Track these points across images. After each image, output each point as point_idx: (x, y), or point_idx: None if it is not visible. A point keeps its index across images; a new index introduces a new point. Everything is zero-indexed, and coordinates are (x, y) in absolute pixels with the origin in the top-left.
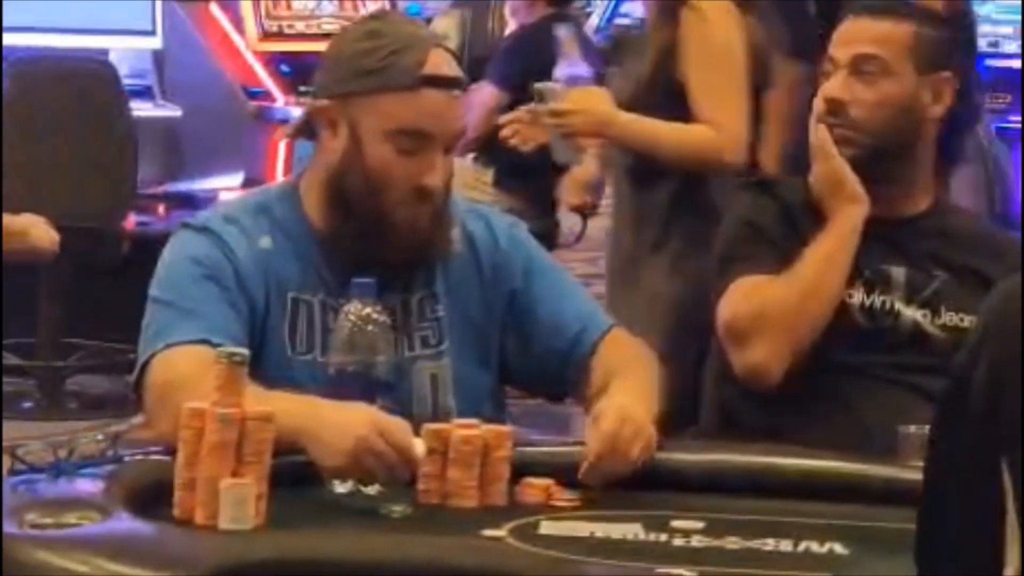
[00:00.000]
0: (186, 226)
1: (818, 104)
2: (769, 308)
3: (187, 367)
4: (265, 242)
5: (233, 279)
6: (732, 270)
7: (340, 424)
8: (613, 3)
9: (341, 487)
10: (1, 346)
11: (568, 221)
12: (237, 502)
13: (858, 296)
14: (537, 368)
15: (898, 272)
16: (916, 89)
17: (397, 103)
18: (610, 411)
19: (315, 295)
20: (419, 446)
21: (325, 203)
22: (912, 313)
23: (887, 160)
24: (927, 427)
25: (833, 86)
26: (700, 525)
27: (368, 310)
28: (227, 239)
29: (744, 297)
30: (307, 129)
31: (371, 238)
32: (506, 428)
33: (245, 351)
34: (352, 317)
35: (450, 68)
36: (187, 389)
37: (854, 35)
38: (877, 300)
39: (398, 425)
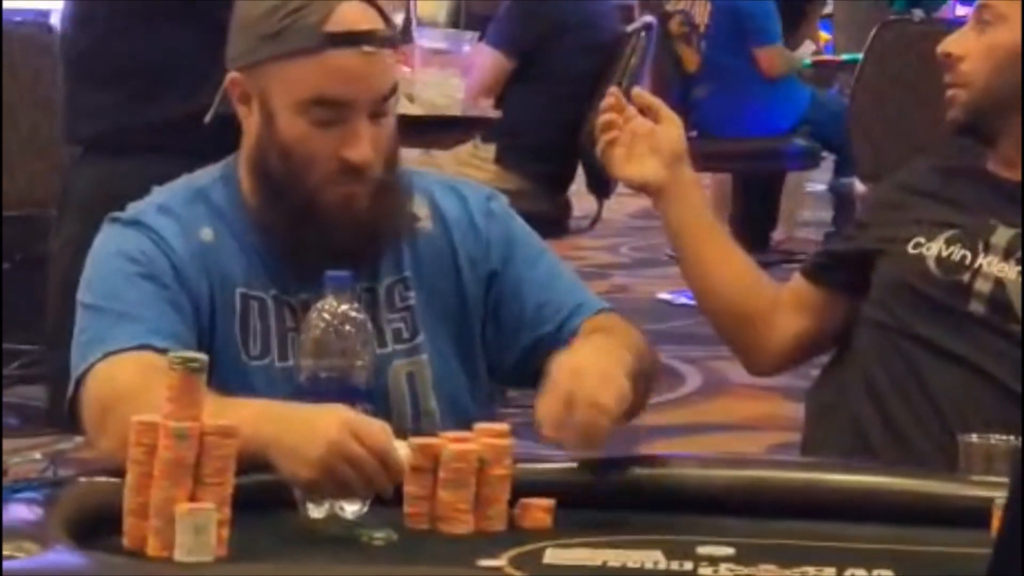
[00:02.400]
0: (115, 220)
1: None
2: None
3: (130, 376)
4: (206, 234)
5: (172, 276)
6: None
7: (309, 429)
8: None
9: (316, 511)
10: None
11: (581, 203)
12: (196, 530)
13: (936, 247)
14: (522, 360)
15: (1004, 232)
16: None
17: (302, 69)
18: (565, 360)
19: (266, 290)
20: (402, 450)
21: (253, 185)
22: (999, 269)
23: (998, 116)
24: (992, 438)
25: (946, 40)
26: (730, 552)
27: (344, 307)
28: (162, 232)
29: None
30: (227, 106)
31: (304, 224)
32: (505, 442)
33: (202, 356)
34: (326, 316)
35: (365, 20)
36: (132, 401)
37: None
38: (957, 252)
39: (376, 426)
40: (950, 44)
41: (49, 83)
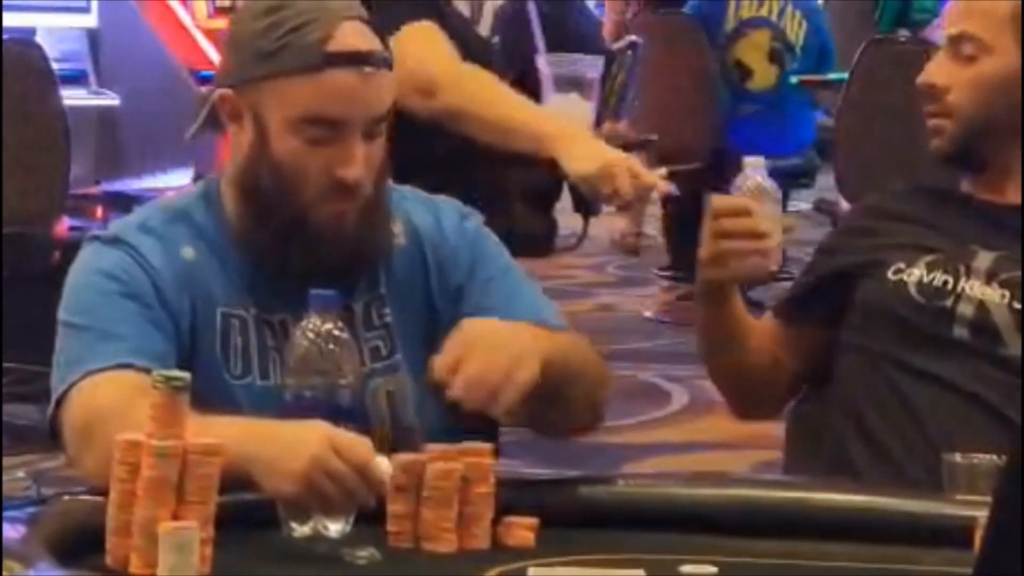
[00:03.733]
0: (95, 239)
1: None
2: None
3: (112, 396)
4: (187, 252)
5: (153, 295)
6: None
7: (291, 444)
8: None
9: (299, 529)
10: None
11: (567, 221)
12: (179, 548)
13: (917, 274)
14: None
15: (985, 256)
16: (1018, 66)
17: (299, 87)
18: (461, 329)
19: (247, 309)
20: (383, 465)
21: (241, 205)
22: (981, 293)
23: (987, 144)
24: (975, 457)
25: (927, 70)
26: (713, 570)
27: (329, 326)
28: (143, 250)
29: None
30: (214, 123)
31: (291, 242)
32: (488, 460)
33: (185, 374)
34: (310, 334)
35: (364, 41)
36: (113, 421)
37: (952, 15)
38: (939, 278)
39: (356, 441)
40: (933, 75)
41: (34, 102)
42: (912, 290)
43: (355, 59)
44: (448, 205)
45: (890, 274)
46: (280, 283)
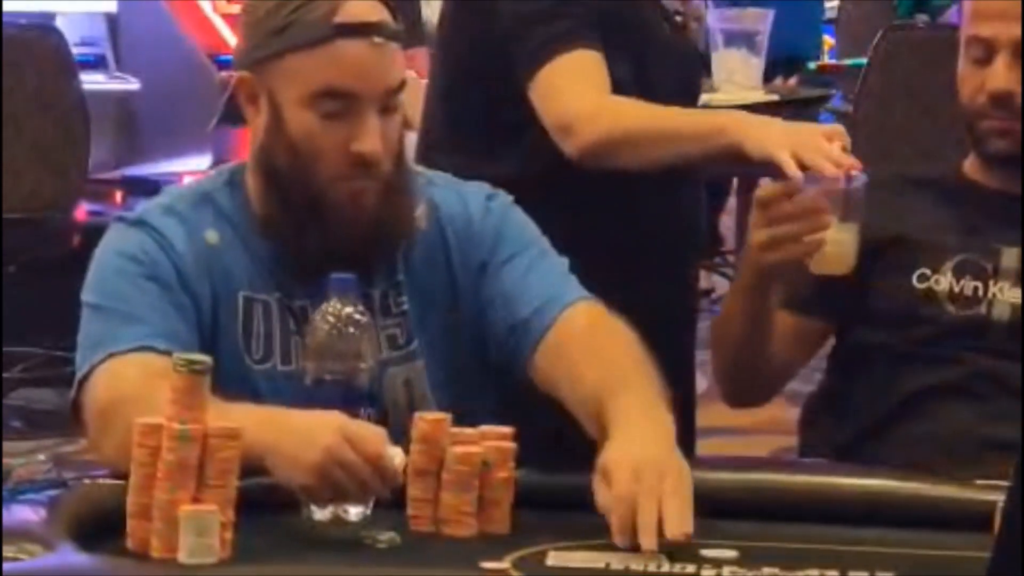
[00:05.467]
0: (120, 220)
1: (974, 96)
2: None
3: (132, 380)
4: (211, 236)
5: (175, 278)
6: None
7: (305, 435)
8: None
9: (320, 513)
10: None
11: None
12: (199, 531)
13: (945, 281)
14: (498, 347)
15: (1010, 254)
16: None
17: (311, 61)
18: (620, 465)
19: (270, 294)
20: (398, 457)
21: (261, 188)
22: (1013, 296)
23: None
24: None
25: (999, 77)
26: (733, 555)
27: (349, 309)
28: (166, 233)
29: None
30: (234, 111)
31: (310, 223)
32: (509, 444)
33: (206, 358)
34: (331, 318)
35: (373, 12)
36: (136, 404)
37: (1007, 10)
38: (968, 285)
39: (370, 432)
40: (1011, 82)
41: (53, 87)
42: (943, 300)
43: (364, 30)
44: (475, 186)
45: (916, 281)
46: (302, 269)
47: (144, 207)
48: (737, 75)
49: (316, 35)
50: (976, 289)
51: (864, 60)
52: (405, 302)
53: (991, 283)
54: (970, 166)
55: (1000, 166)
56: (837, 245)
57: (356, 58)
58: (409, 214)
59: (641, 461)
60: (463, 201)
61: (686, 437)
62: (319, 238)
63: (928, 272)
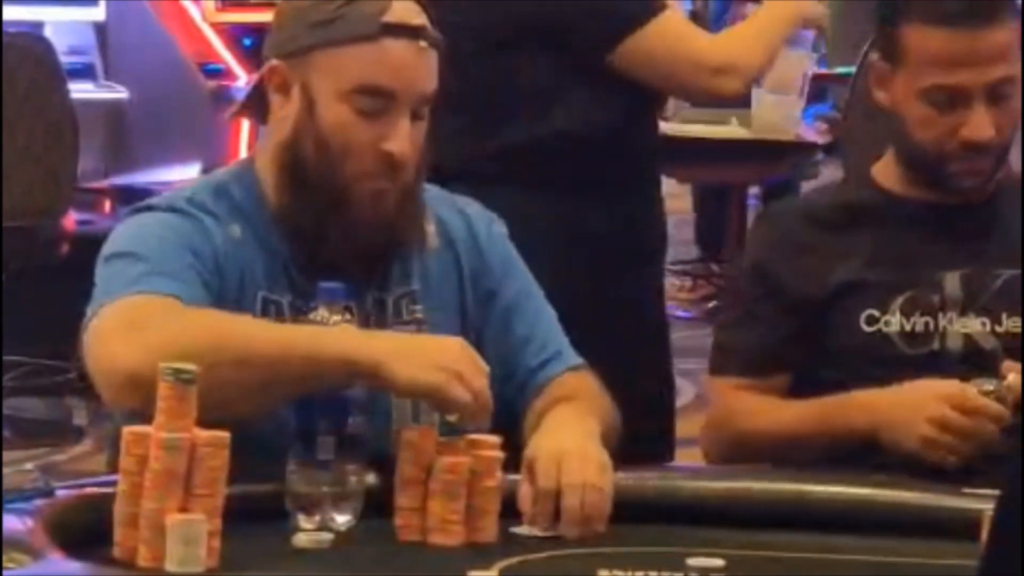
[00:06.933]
0: (147, 208)
1: (942, 140)
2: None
3: (164, 302)
4: (235, 231)
5: (212, 261)
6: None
7: (431, 342)
8: None
9: (307, 522)
10: None
11: None
12: (186, 540)
13: (895, 322)
14: (487, 359)
15: (952, 280)
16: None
17: (355, 56)
18: (543, 444)
19: (283, 295)
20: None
21: (279, 180)
22: (963, 326)
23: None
24: None
25: (981, 127)
26: (720, 563)
27: (336, 318)
28: (203, 222)
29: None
30: (256, 103)
31: (331, 216)
32: (496, 454)
33: (194, 367)
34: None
35: (419, 17)
36: (162, 329)
37: (976, 53)
38: (919, 323)
39: (480, 370)
40: (987, 130)
41: (42, 96)
42: (896, 341)
43: (411, 32)
44: (474, 209)
45: (863, 324)
46: (315, 269)
47: (165, 197)
48: (774, 110)
49: (364, 31)
50: (927, 324)
51: (853, 68)
52: (419, 310)
53: (940, 316)
54: (882, 175)
55: (932, 184)
56: None
57: (400, 58)
58: (420, 224)
59: (563, 452)
60: (468, 224)
61: (664, 441)
62: (337, 232)
63: (876, 314)
